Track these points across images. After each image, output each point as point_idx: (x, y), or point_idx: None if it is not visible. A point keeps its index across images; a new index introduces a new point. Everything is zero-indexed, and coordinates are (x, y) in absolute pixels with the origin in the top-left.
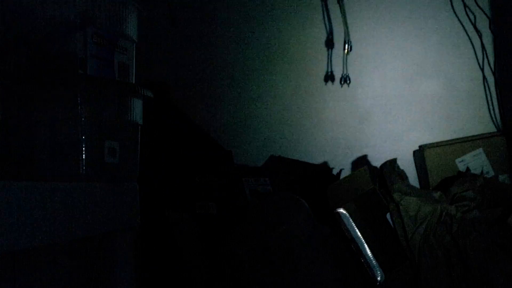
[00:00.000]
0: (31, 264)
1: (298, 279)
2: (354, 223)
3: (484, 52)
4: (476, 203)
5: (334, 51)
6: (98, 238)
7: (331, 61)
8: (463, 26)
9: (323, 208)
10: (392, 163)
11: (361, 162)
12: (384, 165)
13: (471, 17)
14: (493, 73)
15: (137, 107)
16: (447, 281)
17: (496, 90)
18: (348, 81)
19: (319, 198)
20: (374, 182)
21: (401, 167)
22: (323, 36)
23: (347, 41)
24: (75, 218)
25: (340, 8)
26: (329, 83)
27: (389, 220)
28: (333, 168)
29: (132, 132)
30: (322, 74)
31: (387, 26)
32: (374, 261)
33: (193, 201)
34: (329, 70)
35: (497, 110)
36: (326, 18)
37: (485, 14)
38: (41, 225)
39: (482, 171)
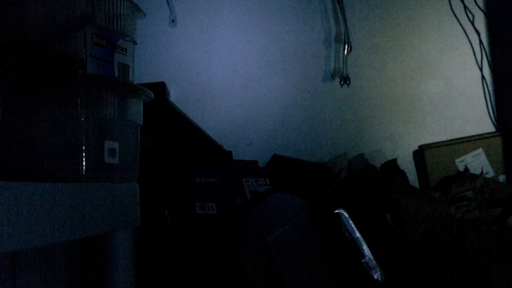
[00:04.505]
0: (31, 264)
1: (298, 279)
2: (354, 223)
3: (484, 52)
4: (476, 203)
5: (334, 51)
6: (98, 238)
7: (331, 61)
8: (462, 26)
9: (323, 208)
10: (392, 163)
11: (361, 162)
12: (384, 165)
13: (470, 17)
14: (492, 73)
15: (137, 107)
16: (447, 281)
17: (494, 90)
18: (348, 81)
19: (319, 198)
20: (374, 183)
21: (401, 167)
22: (323, 36)
23: (347, 41)
24: (75, 218)
25: (340, 8)
26: (329, 83)
27: (389, 220)
28: (332, 168)
29: (132, 132)
30: (322, 74)
31: (387, 26)
32: (374, 262)
33: (193, 201)
34: (329, 70)
35: (496, 110)
36: (325, 18)
37: (484, 13)
38: (41, 225)
39: (482, 171)
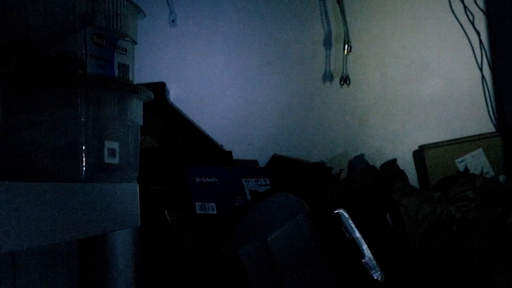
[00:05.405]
0: (31, 264)
1: (298, 279)
2: (354, 223)
3: (484, 52)
4: (476, 203)
5: (334, 51)
6: (98, 238)
7: (331, 61)
8: (462, 26)
9: (323, 208)
10: (392, 163)
11: (361, 162)
12: (384, 165)
13: (470, 17)
14: (492, 73)
15: (137, 107)
16: (447, 281)
17: (494, 90)
18: (348, 81)
19: (319, 198)
20: (374, 183)
21: (401, 167)
22: (323, 36)
23: (347, 41)
24: (75, 218)
25: (340, 8)
26: (329, 83)
27: (389, 220)
28: (332, 168)
29: (132, 132)
30: (322, 74)
31: (387, 26)
32: (374, 262)
33: (193, 201)
34: (329, 70)
35: (496, 110)
36: (325, 18)
37: (484, 13)
38: (41, 225)
39: (482, 171)
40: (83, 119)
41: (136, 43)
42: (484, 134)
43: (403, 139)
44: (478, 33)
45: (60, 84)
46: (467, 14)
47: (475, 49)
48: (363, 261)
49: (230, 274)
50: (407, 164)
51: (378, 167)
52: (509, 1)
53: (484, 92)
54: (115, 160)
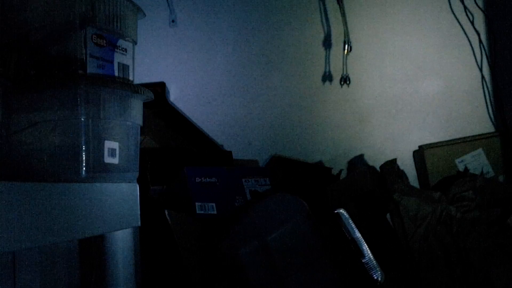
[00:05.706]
0: (31, 264)
1: (298, 279)
2: (354, 223)
3: (484, 52)
4: (476, 203)
5: (334, 51)
6: (98, 238)
7: (331, 61)
8: (462, 26)
9: (323, 208)
10: (392, 163)
11: (361, 162)
12: (384, 165)
13: (470, 17)
14: (492, 73)
15: (137, 107)
16: (447, 281)
17: (494, 90)
18: (348, 81)
19: (319, 198)
20: (374, 183)
21: (401, 167)
22: (323, 36)
23: (347, 41)
24: (75, 218)
25: (340, 8)
26: (329, 83)
27: (389, 220)
28: (332, 168)
29: (132, 132)
30: (322, 74)
31: (387, 26)
32: (374, 262)
33: (193, 201)
34: (329, 70)
35: (496, 110)
36: (325, 18)
37: (484, 13)
38: (41, 225)
39: (482, 171)
40: (83, 119)
41: (136, 43)
42: (484, 134)
43: (403, 139)
44: (478, 33)
45: (60, 84)
46: (467, 14)
47: (475, 49)
48: (363, 261)
49: (230, 274)
50: (407, 164)
51: (378, 167)
52: (509, 1)
53: (484, 92)
54: (115, 160)
